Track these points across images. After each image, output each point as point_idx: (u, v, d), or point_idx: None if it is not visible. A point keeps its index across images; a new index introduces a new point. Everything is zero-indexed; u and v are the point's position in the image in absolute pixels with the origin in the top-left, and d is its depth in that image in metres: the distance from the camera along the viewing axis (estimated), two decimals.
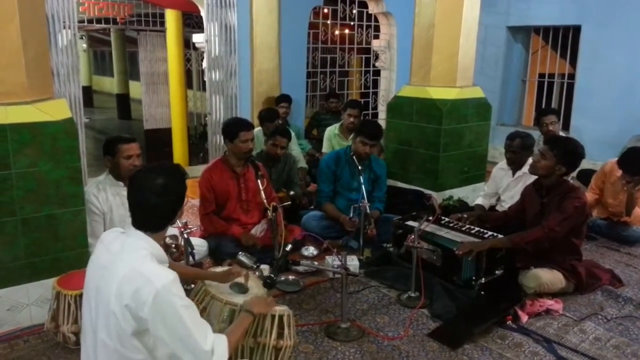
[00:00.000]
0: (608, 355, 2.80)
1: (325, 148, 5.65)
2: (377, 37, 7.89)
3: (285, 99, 6.04)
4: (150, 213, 1.83)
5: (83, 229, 3.02)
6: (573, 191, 3.40)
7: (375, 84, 8.30)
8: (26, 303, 2.92)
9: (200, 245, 3.56)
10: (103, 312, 1.73)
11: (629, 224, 4.43)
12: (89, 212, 3.12)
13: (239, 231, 3.76)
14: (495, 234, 3.52)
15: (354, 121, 5.37)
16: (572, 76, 7.52)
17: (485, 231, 3.60)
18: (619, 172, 4.35)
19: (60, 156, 2.85)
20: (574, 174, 5.48)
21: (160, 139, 9.93)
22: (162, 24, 8.84)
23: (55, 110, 2.89)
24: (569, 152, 3.38)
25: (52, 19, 4.75)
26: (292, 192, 4.38)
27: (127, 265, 1.71)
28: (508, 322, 3.07)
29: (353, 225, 3.99)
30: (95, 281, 1.79)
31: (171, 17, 8.53)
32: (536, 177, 3.56)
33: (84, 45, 20.13)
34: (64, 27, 4.90)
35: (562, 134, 5.13)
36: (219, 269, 2.57)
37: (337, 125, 5.70)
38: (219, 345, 1.79)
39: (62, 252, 2.94)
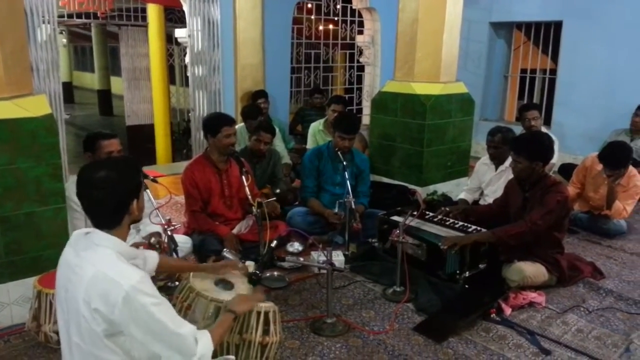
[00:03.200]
0: (590, 347, 2.85)
1: (309, 144, 5.64)
2: (361, 32, 7.89)
3: (262, 94, 5.99)
4: (97, 208, 1.76)
5: (64, 227, 2.98)
6: (555, 185, 3.44)
7: (360, 79, 8.30)
8: (7, 302, 2.87)
9: (184, 242, 3.53)
10: (74, 315, 1.69)
11: (609, 217, 4.49)
12: (69, 209, 3.07)
13: (225, 231, 3.74)
14: (478, 228, 3.55)
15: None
16: (553, 71, 7.59)
17: (469, 225, 3.62)
18: (600, 166, 4.40)
19: (40, 153, 2.81)
20: (555, 168, 5.55)
21: (142, 135, 9.84)
22: (144, 18, 8.75)
23: (35, 106, 2.84)
24: (535, 149, 3.43)
25: (31, 13, 4.66)
26: (277, 190, 4.36)
27: (93, 267, 1.66)
28: (492, 315, 3.10)
29: (338, 219, 3.99)
30: (64, 282, 1.74)
31: (153, 12, 8.44)
32: None
33: (64, 41, 19.85)
34: (43, 22, 4.81)
35: (543, 129, 5.18)
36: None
37: (321, 121, 5.69)
38: (202, 337, 1.78)
39: (43, 250, 2.90)
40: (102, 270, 1.65)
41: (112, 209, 1.76)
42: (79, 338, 1.69)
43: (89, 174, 1.75)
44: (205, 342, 1.77)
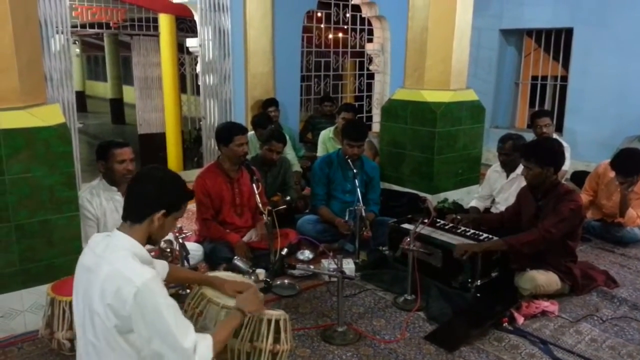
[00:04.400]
0: (604, 356, 2.81)
1: (319, 151, 5.65)
2: (370, 40, 7.91)
3: (272, 102, 6.03)
4: (137, 198, 1.88)
5: (77, 235, 3.01)
6: (568, 194, 3.41)
7: (370, 87, 8.32)
8: (20, 310, 2.89)
9: (195, 249, 3.56)
10: (89, 313, 1.76)
11: (622, 225, 4.45)
12: (82, 217, 3.11)
13: (236, 239, 3.75)
14: (490, 236, 3.52)
15: None
16: (564, 78, 7.55)
17: (480, 233, 3.60)
18: (613, 174, 4.37)
19: (54, 161, 2.84)
20: (568, 175, 5.51)
21: (154, 143, 9.89)
22: (156, 28, 8.83)
23: (49, 115, 2.88)
24: (545, 154, 3.40)
25: (45, 23, 4.73)
26: (288, 198, 4.37)
27: (110, 265, 1.73)
28: (504, 324, 3.07)
29: (348, 229, 3.99)
30: (82, 283, 1.81)
31: (164, 22, 8.52)
32: None
33: (77, 50, 20.08)
34: (57, 32, 4.88)
35: (555, 136, 5.15)
36: (222, 274, 2.50)
37: (331, 128, 5.71)
38: (201, 344, 1.79)
39: (56, 257, 2.92)
40: (116, 267, 1.72)
41: (144, 202, 1.87)
42: (93, 336, 1.75)
43: (148, 170, 1.95)
44: (202, 350, 1.78)
